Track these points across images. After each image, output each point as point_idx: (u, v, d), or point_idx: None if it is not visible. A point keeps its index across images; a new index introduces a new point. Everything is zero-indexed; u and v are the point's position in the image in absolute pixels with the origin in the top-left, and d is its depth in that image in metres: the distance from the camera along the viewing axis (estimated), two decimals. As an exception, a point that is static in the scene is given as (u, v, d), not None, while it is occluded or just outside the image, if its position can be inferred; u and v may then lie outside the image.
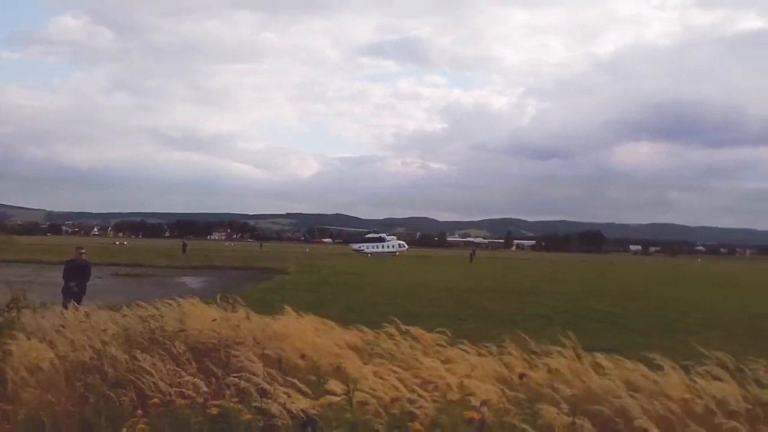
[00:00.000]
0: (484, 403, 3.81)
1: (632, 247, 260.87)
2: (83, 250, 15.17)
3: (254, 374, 5.18)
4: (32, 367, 5.97)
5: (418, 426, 3.44)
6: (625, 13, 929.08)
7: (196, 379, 5.35)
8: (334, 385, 4.28)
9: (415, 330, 6.96)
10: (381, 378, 4.78)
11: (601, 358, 5.72)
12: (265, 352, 6.25)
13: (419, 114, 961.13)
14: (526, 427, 3.59)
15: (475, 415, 3.45)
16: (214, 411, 4.01)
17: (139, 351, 6.15)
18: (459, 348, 6.34)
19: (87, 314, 8.45)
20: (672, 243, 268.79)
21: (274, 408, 3.90)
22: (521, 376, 4.54)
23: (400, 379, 4.84)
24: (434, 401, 4.12)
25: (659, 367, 5.38)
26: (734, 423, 4.19)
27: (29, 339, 6.88)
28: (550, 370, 5.29)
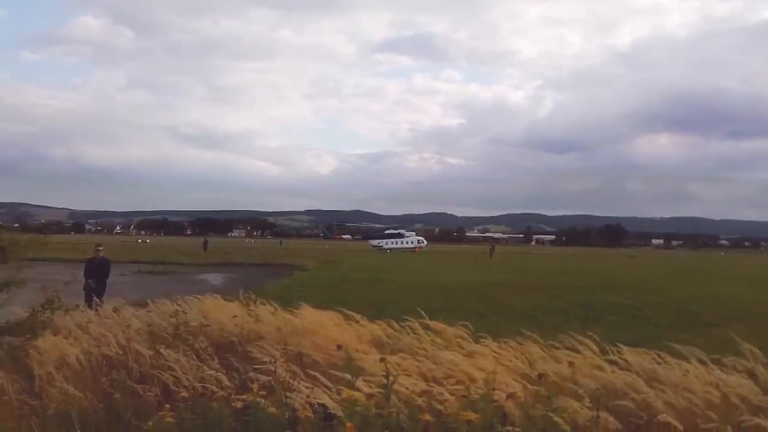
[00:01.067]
0: (510, 396, 3.80)
1: (654, 241, 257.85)
2: (101, 247, 15.34)
3: (276, 369, 5.23)
4: (59, 363, 6.09)
5: (428, 417, 3.46)
6: (642, 4, 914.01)
7: (219, 374, 5.42)
8: (360, 380, 4.31)
9: (436, 324, 6.97)
10: (403, 372, 4.80)
11: (625, 351, 5.68)
12: (287, 347, 6.29)
13: (435, 109, 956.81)
14: (551, 415, 3.58)
15: (499, 408, 3.45)
16: (239, 405, 4.05)
17: (163, 346, 6.25)
18: (481, 342, 6.33)
19: (116, 309, 8.58)
20: (695, 236, 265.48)
21: (297, 402, 3.94)
22: (540, 376, 4.53)
23: (422, 374, 4.86)
24: (456, 396, 4.13)
25: (683, 359, 5.33)
26: (757, 420, 4.13)
27: (55, 335, 7.01)
28: (571, 364, 5.26)
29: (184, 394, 4.90)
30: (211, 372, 5.47)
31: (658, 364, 5.36)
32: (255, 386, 4.48)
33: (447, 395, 4.09)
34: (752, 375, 4.96)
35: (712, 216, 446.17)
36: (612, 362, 5.51)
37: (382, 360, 4.37)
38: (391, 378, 3.86)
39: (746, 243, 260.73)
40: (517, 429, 3.56)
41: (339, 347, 4.77)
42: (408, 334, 6.85)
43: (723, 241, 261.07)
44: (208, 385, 5.10)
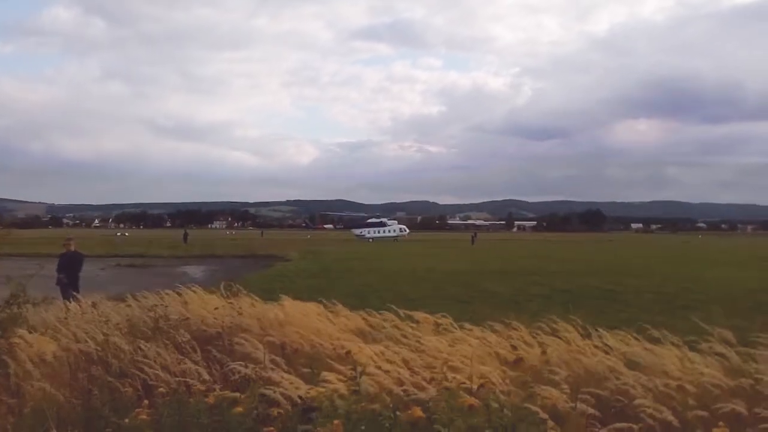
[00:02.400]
0: (482, 386, 3.82)
1: (633, 225, 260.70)
2: (69, 241, 15.13)
3: (257, 361, 5.20)
4: (36, 360, 5.99)
5: (418, 412, 3.42)
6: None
7: (199, 368, 5.38)
8: (336, 371, 4.30)
9: (418, 314, 6.99)
10: (384, 361, 4.80)
11: (606, 335, 5.74)
12: (269, 338, 6.26)
13: (415, 97, 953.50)
14: (528, 406, 3.60)
15: (474, 402, 3.44)
16: (218, 398, 4.02)
17: (143, 341, 6.18)
18: (462, 329, 6.37)
19: (95, 304, 8.47)
20: (673, 220, 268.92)
21: (277, 395, 3.91)
22: (517, 360, 4.55)
23: (403, 361, 4.86)
24: (435, 385, 4.13)
25: (660, 343, 5.39)
26: (732, 405, 4.19)
27: (32, 332, 6.90)
28: (546, 351, 5.31)
29: (163, 389, 4.86)
30: (192, 365, 5.42)
31: (639, 347, 5.43)
32: (235, 378, 4.45)
33: (426, 385, 4.09)
34: (726, 358, 5.05)
35: (690, 200, 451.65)
36: (594, 346, 5.58)
37: (347, 353, 4.36)
38: (359, 369, 3.85)
39: (723, 226, 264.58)
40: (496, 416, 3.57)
41: (311, 346, 4.74)
42: (390, 323, 6.86)
43: (701, 224, 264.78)
44: (188, 380, 5.06)
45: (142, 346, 5.98)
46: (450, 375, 4.27)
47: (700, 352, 5.16)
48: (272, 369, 4.97)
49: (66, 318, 7.67)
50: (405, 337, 6.21)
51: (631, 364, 5.01)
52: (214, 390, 4.49)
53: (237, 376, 5.01)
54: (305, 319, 7.02)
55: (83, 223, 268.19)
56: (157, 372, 5.46)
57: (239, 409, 3.78)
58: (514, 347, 5.67)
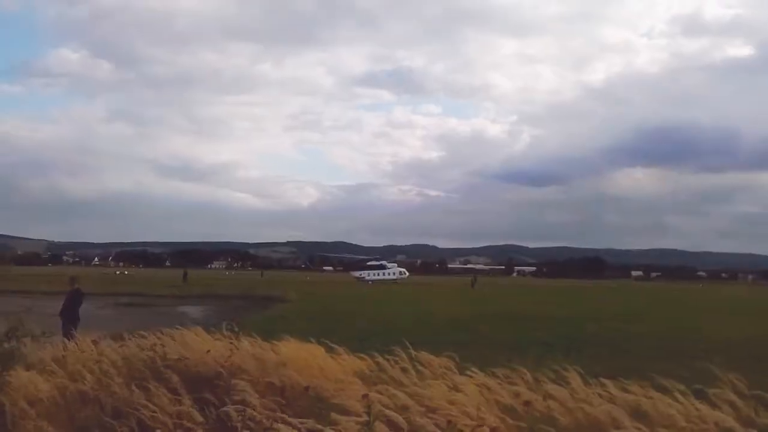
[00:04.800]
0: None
1: (633, 273, 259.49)
2: (72, 279, 15.16)
3: (254, 404, 5.14)
4: (32, 398, 5.93)
5: None
6: (613, 41, 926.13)
7: (192, 410, 5.32)
8: (337, 416, 4.25)
9: (423, 356, 6.94)
10: (384, 406, 4.74)
11: (608, 383, 5.67)
12: (268, 380, 6.20)
13: (415, 142, 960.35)
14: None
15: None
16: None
17: (139, 381, 6.12)
18: (466, 374, 6.31)
19: (94, 342, 8.42)
20: (673, 268, 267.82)
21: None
22: (526, 403, 4.48)
23: (404, 407, 4.80)
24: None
25: (666, 391, 5.33)
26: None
27: (28, 370, 6.84)
28: (550, 397, 5.24)
29: (159, 431, 4.79)
30: (187, 407, 5.36)
31: (642, 396, 5.36)
32: (231, 422, 4.39)
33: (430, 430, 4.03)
34: (733, 407, 4.98)
35: (689, 248, 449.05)
36: (598, 394, 5.51)
37: (364, 396, 4.31)
38: (372, 416, 3.81)
39: (723, 274, 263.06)
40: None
41: (307, 389, 4.70)
42: (392, 366, 6.80)
43: (701, 273, 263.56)
44: (184, 422, 4.99)
45: (139, 387, 5.92)
46: (451, 422, 4.22)
47: (705, 401, 5.10)
48: (268, 413, 4.90)
49: (64, 356, 7.62)
50: (408, 380, 6.14)
51: (635, 414, 4.94)
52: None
53: (235, 419, 4.94)
54: (306, 360, 6.97)
55: (83, 261, 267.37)
56: (153, 413, 5.39)
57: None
58: (517, 394, 5.61)
